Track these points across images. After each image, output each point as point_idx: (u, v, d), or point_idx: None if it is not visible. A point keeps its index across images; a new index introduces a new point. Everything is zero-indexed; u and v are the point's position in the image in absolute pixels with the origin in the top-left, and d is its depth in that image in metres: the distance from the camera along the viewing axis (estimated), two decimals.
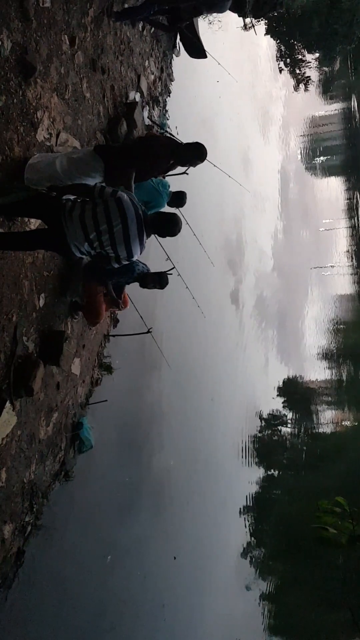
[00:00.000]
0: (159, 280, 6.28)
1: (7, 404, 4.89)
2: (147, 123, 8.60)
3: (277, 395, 21.79)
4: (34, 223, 5.05)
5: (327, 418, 23.61)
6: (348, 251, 30.82)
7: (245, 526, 16.11)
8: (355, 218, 30.60)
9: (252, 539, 15.97)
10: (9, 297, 4.91)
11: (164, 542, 9.99)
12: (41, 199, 4.36)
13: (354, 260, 30.49)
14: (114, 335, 7.89)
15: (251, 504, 16.66)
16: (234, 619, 13.54)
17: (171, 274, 7.01)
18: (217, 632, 12.51)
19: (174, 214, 4.33)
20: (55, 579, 6.35)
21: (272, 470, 18.99)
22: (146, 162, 4.75)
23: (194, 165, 5.13)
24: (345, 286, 30.19)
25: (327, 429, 23.12)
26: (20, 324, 5.13)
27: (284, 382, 22.44)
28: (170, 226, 4.29)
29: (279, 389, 22.02)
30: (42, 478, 5.86)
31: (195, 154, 4.90)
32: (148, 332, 7.63)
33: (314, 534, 3.62)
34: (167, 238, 4.55)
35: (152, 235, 4.48)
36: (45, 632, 6.27)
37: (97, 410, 7.47)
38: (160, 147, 4.87)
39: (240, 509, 15.86)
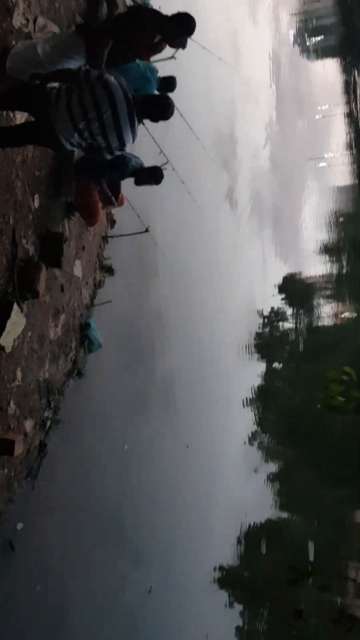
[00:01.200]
0: (154, 175, 6.13)
1: (15, 307, 4.96)
2: (128, 4, 7.97)
3: (277, 293, 21.96)
4: (20, 117, 4.85)
5: (327, 311, 23.95)
6: (347, 144, 29.68)
7: (251, 416, 16.89)
8: (354, 102, 29.15)
9: (258, 427, 16.79)
10: (3, 199, 4.82)
11: (176, 433, 10.52)
12: (24, 89, 4.16)
13: (352, 148, 29.44)
14: (112, 237, 7.83)
15: (255, 396, 17.35)
16: (245, 500, 14.56)
17: (165, 168, 6.84)
18: (230, 511, 13.48)
19: (166, 95, 4.15)
20: (76, 468, 6.78)
21: (274, 364, 19.60)
22: (130, 35, 4.47)
23: (182, 42, 4.82)
24: (344, 177, 29.40)
25: (327, 321, 23.52)
26: (17, 227, 5.08)
27: (283, 279, 22.51)
28: (162, 108, 4.12)
29: (279, 286, 22.15)
30: (56, 376, 6.07)
31: (182, 24, 4.59)
32: (146, 231, 7.56)
33: (322, 402, 3.83)
34: (159, 130, 4.39)
35: (143, 130, 4.31)
36: (69, 517, 6.79)
37: (103, 311, 7.58)
38: (145, 19, 4.56)
39: (244, 400, 16.54)
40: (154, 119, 4.20)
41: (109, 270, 7.63)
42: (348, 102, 29.75)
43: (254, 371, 17.94)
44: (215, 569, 12.60)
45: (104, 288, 7.78)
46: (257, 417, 16.95)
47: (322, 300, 23.72)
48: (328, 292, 24.24)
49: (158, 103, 4.14)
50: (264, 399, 17.45)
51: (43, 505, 6.00)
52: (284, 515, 15.83)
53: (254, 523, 14.62)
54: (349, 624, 4.40)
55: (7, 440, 5.06)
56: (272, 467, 16.62)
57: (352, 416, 3.95)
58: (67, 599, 6.55)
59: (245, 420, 16.55)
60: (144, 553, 8.79)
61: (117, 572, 7.90)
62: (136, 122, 4.09)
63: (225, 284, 14.71)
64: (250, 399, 17.21)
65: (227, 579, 12.94)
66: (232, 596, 13.02)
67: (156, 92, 5.80)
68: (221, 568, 12.80)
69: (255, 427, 16.74)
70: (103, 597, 7.41)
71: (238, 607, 13.69)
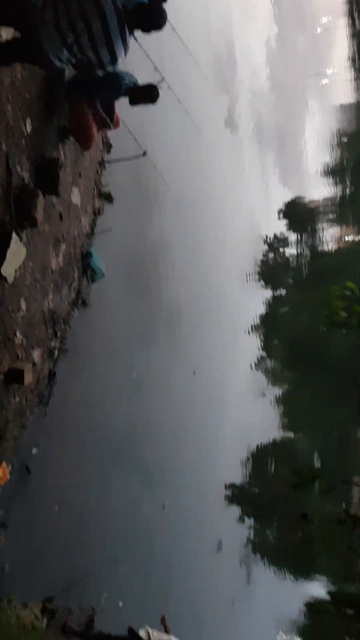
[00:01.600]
0: (149, 93, 5.87)
1: (14, 236, 4.89)
2: None
3: (280, 218, 21.63)
4: (6, 35, 4.59)
5: (331, 235, 23.60)
6: (350, 58, 28.07)
7: (256, 342, 17.08)
8: (357, 11, 27.40)
9: (263, 352, 17.03)
10: None
11: (183, 360, 10.69)
12: (7, 3, 3.91)
13: (355, 62, 27.97)
14: (109, 162, 7.61)
15: (260, 323, 17.47)
16: (252, 421, 14.98)
17: (161, 87, 6.55)
18: (238, 432, 13.90)
19: (158, 2, 3.90)
20: (86, 395, 6.94)
21: (278, 290, 19.59)
22: None
23: None
24: (347, 94, 28.11)
25: (330, 245, 23.24)
26: (11, 153, 4.93)
27: (285, 204, 22.09)
28: (154, 16, 3.89)
29: (281, 211, 21.77)
30: (61, 306, 6.10)
31: None
32: (143, 154, 7.35)
33: (326, 318, 3.85)
34: (152, 47, 4.16)
35: (135, 46, 4.08)
36: (82, 441, 7.02)
37: (104, 240, 7.50)
38: None
39: (250, 326, 16.68)
40: (146, 29, 3.97)
41: (108, 198, 7.47)
42: (350, 13, 27.98)
43: (258, 298, 17.99)
44: (225, 486, 13.16)
45: (103, 216, 7.65)
46: (262, 343, 17.15)
47: (325, 224, 23.34)
48: (331, 216, 23.80)
49: (150, 10, 3.90)
50: (269, 325, 17.59)
51: (56, 430, 6.19)
52: (290, 435, 16.33)
53: (262, 443, 15.13)
54: (353, 523, 4.65)
55: (16, 369, 5.15)
56: (278, 391, 16.99)
57: (355, 331, 3.98)
58: (84, 518, 6.89)
59: (251, 347, 16.78)
60: (157, 474, 9.16)
61: (131, 492, 8.26)
62: (127, 34, 3.87)
63: (227, 210, 14.47)
64: (255, 325, 17.35)
65: (237, 495, 13.54)
66: (242, 511, 13.67)
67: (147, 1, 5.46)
68: (231, 486, 13.37)
69: (260, 353, 16.98)
70: (120, 515, 7.79)
71: (248, 523, 14.39)
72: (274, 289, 19.16)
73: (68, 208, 6.19)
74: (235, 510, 13.89)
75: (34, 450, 5.72)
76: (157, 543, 8.77)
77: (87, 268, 6.63)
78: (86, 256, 6.64)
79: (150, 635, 6.09)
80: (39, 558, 5.84)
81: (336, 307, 3.83)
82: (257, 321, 17.77)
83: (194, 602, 9.28)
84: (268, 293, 18.99)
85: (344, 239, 23.13)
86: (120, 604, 7.08)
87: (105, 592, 6.88)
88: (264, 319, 17.64)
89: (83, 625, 6.29)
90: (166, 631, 6.34)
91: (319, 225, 23.04)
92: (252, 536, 13.85)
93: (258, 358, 16.83)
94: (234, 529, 13.23)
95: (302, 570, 13.39)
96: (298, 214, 22.28)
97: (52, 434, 6.11)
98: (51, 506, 6.08)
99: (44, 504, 5.98)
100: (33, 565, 5.71)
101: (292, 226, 21.60)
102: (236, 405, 14.21)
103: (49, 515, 6.05)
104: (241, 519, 13.71)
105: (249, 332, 16.86)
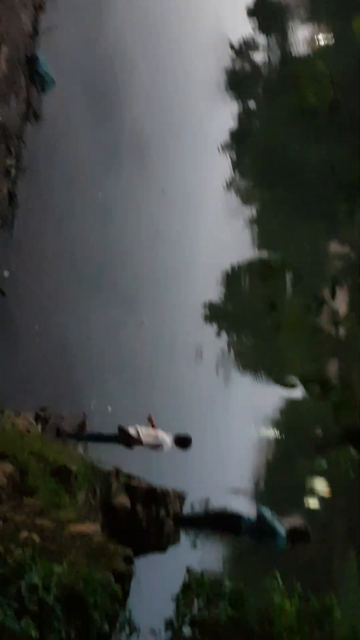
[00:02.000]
0: None
1: None
2: None
3: (248, 17, 19.47)
4: None
5: (303, 37, 21.47)
6: None
7: (227, 162, 16.38)
8: None
9: (235, 171, 16.48)
10: None
11: (150, 179, 10.26)
12: None
13: None
14: None
15: (230, 140, 16.60)
16: (226, 243, 14.94)
17: None
18: (212, 255, 13.94)
19: None
20: (52, 217, 6.78)
21: (248, 103, 18.32)
22: None
23: None
24: None
25: (302, 50, 21.25)
26: None
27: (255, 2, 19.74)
28: None
29: (250, 10, 19.52)
30: (11, 119, 5.65)
31: None
32: None
33: (295, 100, 3.56)
34: None
35: None
36: (55, 265, 7.01)
37: (52, 44, 6.70)
38: None
39: (220, 145, 15.91)
40: None
41: None
42: None
43: (228, 112, 16.87)
44: (203, 305, 13.64)
45: (47, 15, 6.75)
46: (233, 161, 16.50)
47: (298, 23, 21.08)
48: (304, 12, 21.39)
49: None
50: (240, 141, 16.75)
51: (25, 254, 6.14)
52: (263, 254, 16.45)
53: (236, 263, 15.33)
54: (319, 307, 4.87)
55: None
56: (251, 210, 16.75)
57: (325, 128, 3.71)
58: (66, 336, 7.15)
59: (222, 166, 16.13)
60: (133, 294, 9.35)
61: (110, 311, 8.47)
62: None
63: (188, 6, 12.94)
64: (225, 143, 16.50)
65: (215, 312, 14.11)
66: (219, 326, 14.36)
67: None
68: (208, 304, 13.87)
69: (232, 172, 16.43)
70: (100, 332, 8.07)
71: (224, 337, 15.17)
72: (244, 101, 17.88)
73: (3, 1, 5.41)
74: (213, 328, 14.52)
75: (6, 273, 5.71)
76: (140, 355, 9.25)
77: (34, 74, 6.00)
78: (32, 60, 5.97)
79: (139, 430, 6.68)
80: (26, 374, 6.15)
81: (305, 90, 3.52)
82: (227, 138, 16.83)
83: (178, 404, 10.10)
84: (238, 106, 17.74)
85: (318, 41, 21.12)
86: (109, 408, 7.66)
87: (94, 399, 7.40)
88: (235, 134, 16.70)
89: (76, 428, 6.88)
90: (153, 427, 6.96)
91: (291, 24, 20.85)
92: (228, 347, 14.72)
93: (230, 177, 16.28)
94: (212, 342, 13.95)
95: (274, 368, 14.52)
96: (268, 11, 20.02)
97: (22, 257, 6.07)
98: (31, 326, 6.25)
99: (24, 325, 6.14)
100: (21, 380, 6.02)
101: (261, 27, 19.50)
102: (210, 226, 14.08)
103: (30, 334, 6.25)
104: (218, 334, 14.42)
105: (219, 150, 16.06)
